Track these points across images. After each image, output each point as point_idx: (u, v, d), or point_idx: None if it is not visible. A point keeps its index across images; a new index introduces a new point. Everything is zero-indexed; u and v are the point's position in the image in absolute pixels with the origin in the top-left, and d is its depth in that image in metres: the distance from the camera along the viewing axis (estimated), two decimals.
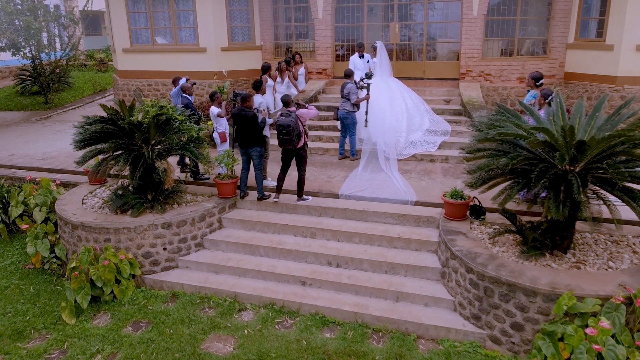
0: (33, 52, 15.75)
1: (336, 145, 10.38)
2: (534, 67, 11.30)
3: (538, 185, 5.42)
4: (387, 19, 12.48)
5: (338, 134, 10.64)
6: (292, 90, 12.28)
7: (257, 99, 8.49)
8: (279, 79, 11.81)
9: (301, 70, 12.46)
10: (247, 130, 7.97)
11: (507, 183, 6.29)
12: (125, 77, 14.64)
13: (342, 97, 9.62)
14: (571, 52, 11.32)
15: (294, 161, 8.02)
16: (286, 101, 7.83)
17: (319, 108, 11.88)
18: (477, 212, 7.22)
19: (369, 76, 9.79)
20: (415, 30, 12.23)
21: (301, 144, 7.81)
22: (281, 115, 7.74)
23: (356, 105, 9.59)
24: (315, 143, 10.65)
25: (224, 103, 8.99)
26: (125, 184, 8.30)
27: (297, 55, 12.40)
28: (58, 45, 16.96)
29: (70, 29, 17.08)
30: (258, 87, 8.54)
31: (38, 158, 11.14)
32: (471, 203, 7.23)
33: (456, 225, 7.04)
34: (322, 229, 7.59)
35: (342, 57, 13.09)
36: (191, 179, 9.16)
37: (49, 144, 12.34)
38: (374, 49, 10.76)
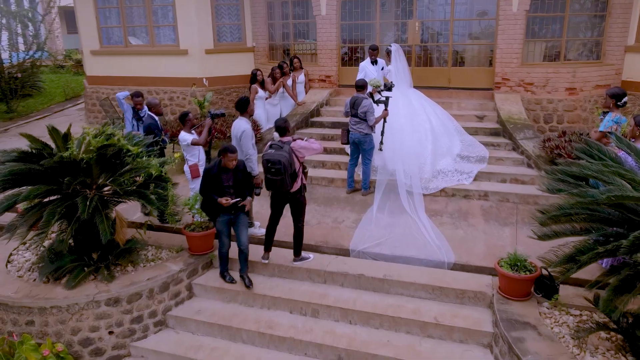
0: None
1: (343, 174, 8.27)
2: (587, 74, 9.18)
3: None
4: (404, 15, 10.35)
5: (346, 158, 8.53)
6: (286, 103, 10.15)
7: (241, 126, 6.35)
8: (272, 88, 9.68)
9: (300, 77, 10.34)
10: None
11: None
12: (95, 83, 12.53)
13: (353, 115, 7.50)
14: (631, 56, 9.21)
15: (287, 207, 5.95)
16: (282, 128, 5.72)
17: (321, 124, 9.78)
18: (547, 288, 5.12)
19: (389, 87, 7.67)
20: (439, 30, 10.09)
21: (297, 186, 5.71)
22: (270, 147, 5.64)
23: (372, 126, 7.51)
24: (317, 171, 8.55)
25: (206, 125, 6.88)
26: (63, 238, 6.20)
27: (295, 60, 10.27)
28: (23, 46, 14.82)
29: (34, 26, 14.93)
30: (244, 107, 6.40)
31: None
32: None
33: (519, 309, 4.95)
34: (327, 306, 5.51)
35: (350, 61, 10.96)
36: (159, 222, 7.09)
37: None
38: (388, 53, 8.66)
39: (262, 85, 9.64)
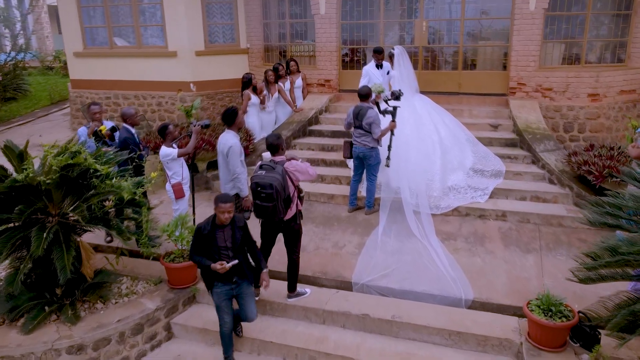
0: None
1: (345, 190, 7.47)
2: (611, 79, 8.38)
3: None
4: (410, 14, 9.55)
5: (347, 172, 7.75)
6: (282, 110, 9.36)
7: (228, 140, 5.54)
8: (265, 93, 8.89)
9: (298, 81, 9.55)
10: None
11: None
12: (79, 87, 11.73)
13: (357, 127, 6.69)
14: None
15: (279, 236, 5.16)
16: (274, 145, 4.90)
17: (320, 133, 8.97)
18: (587, 337, 4.32)
19: (396, 96, 6.86)
20: (448, 30, 9.30)
21: (292, 214, 4.91)
22: (261, 167, 4.84)
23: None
24: (315, 185, 7.75)
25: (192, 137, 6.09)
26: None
27: (292, 62, 9.48)
28: (9, 48, 14.01)
29: (11, 28, 14.12)
30: (231, 119, 5.59)
31: None
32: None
33: None
34: (327, 354, 4.72)
35: (351, 64, 10.16)
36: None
37: None
38: (391, 57, 7.86)
39: (256, 90, 8.85)
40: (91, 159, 5.03)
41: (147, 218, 5.17)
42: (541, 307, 4.36)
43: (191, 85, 8.85)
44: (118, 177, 5.10)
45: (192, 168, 6.69)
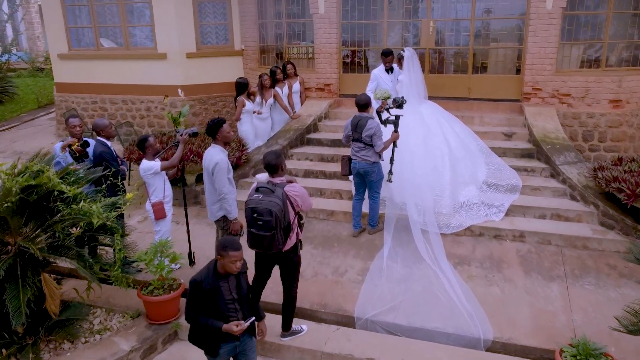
0: None
1: (346, 205, 6.83)
2: (635, 84, 7.74)
3: None
4: (416, 14, 8.90)
5: (349, 185, 7.11)
6: (278, 117, 8.71)
7: (213, 157, 4.88)
8: (258, 99, 8.25)
9: (295, 86, 8.90)
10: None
11: None
12: (64, 91, 11.08)
13: (356, 140, 6.04)
14: None
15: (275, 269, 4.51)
16: (273, 166, 4.23)
17: (319, 142, 8.33)
18: None
19: (399, 104, 6.19)
20: (457, 30, 8.64)
21: (291, 244, 4.26)
22: (257, 190, 4.18)
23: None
24: (314, 200, 7.09)
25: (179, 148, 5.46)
26: None
27: (289, 65, 8.82)
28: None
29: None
30: (213, 131, 4.92)
31: None
32: None
33: None
34: None
35: (352, 67, 9.50)
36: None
37: None
38: (400, 59, 7.18)
39: (250, 96, 8.21)
40: (57, 178, 4.39)
41: (120, 247, 4.52)
42: (578, 357, 3.72)
43: (179, 90, 8.20)
44: (88, 199, 4.45)
45: (182, 181, 6.07)
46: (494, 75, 8.55)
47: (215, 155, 4.81)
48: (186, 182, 7.41)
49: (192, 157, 7.00)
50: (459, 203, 6.56)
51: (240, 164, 7.52)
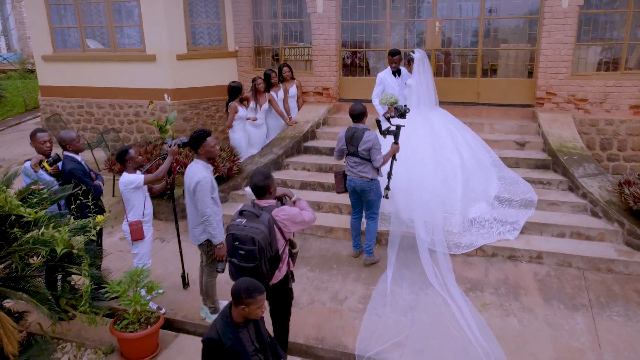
0: None
1: (346, 220, 6.25)
2: None
3: None
4: (421, 13, 8.34)
5: (348, 197, 6.52)
6: (274, 123, 8.16)
7: (195, 174, 4.32)
8: (252, 104, 7.70)
9: (292, 90, 8.34)
10: None
11: None
12: (49, 94, 10.52)
13: (351, 154, 5.42)
14: None
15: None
16: (261, 188, 3.66)
17: (317, 151, 7.77)
18: None
19: (401, 113, 5.58)
20: (465, 30, 8.07)
21: (280, 276, 3.70)
22: (241, 214, 3.62)
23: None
24: None
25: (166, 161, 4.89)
26: None
27: (285, 68, 8.26)
28: None
29: None
30: (195, 144, 4.35)
31: None
32: None
33: None
34: None
35: (352, 70, 8.94)
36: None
37: None
38: (410, 61, 6.59)
39: (243, 102, 7.66)
40: (16, 200, 3.84)
41: (87, 277, 3.95)
42: None
43: (166, 96, 7.62)
44: (52, 223, 3.89)
45: (171, 197, 5.51)
46: (505, 79, 7.98)
47: (197, 172, 4.25)
48: (173, 196, 6.87)
49: (179, 169, 6.44)
50: (469, 220, 6.00)
51: (231, 175, 6.96)
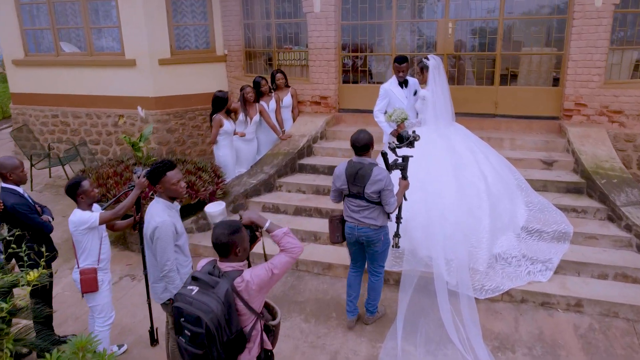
0: None
1: (347, 255, 5.27)
2: None
3: None
4: (431, 12, 7.43)
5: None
6: (265, 137, 7.25)
7: (153, 217, 3.38)
8: (242, 117, 6.80)
9: (286, 99, 7.42)
10: None
11: None
12: (20, 102, 9.62)
13: (354, 196, 4.25)
14: None
15: None
16: (225, 245, 2.67)
17: (314, 169, 6.87)
18: None
19: (410, 141, 4.50)
20: (480, 32, 7.16)
21: (252, 356, 2.76)
22: (194, 279, 2.67)
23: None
24: (306, 248, 5.62)
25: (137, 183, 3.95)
26: None
27: (278, 75, 7.35)
28: None
29: None
30: (155, 178, 3.42)
31: None
32: None
33: None
34: None
35: (354, 76, 8.02)
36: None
37: None
38: (423, 70, 5.61)
39: (230, 114, 6.76)
40: None
41: (9, 353, 3.03)
42: None
43: (139, 108, 6.65)
44: None
45: (140, 235, 4.54)
46: (526, 87, 7.06)
47: (155, 216, 3.32)
48: (142, 236, 5.94)
49: (152, 195, 5.51)
50: (494, 255, 5.08)
51: (214, 200, 6.03)
